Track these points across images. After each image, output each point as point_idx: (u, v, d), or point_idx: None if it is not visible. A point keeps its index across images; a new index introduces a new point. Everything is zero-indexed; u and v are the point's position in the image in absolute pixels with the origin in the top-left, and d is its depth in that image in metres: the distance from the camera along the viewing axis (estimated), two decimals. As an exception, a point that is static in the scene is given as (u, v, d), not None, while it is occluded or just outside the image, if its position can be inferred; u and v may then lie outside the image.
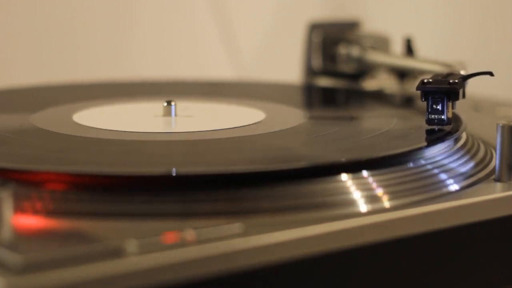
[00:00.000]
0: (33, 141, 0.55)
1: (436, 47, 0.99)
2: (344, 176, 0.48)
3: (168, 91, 0.77)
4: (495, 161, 0.52)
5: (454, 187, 0.51)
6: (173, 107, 0.62)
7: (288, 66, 0.95)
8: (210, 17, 1.08)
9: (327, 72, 0.82)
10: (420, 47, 0.77)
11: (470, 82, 0.59)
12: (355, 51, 0.79)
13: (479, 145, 0.57)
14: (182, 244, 0.41)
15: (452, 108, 0.56)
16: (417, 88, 0.56)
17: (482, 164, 0.54)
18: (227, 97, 0.73)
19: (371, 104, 0.74)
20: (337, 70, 0.80)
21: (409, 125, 0.61)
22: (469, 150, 0.55)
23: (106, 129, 0.58)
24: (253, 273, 0.42)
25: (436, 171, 0.51)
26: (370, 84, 0.80)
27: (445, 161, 0.52)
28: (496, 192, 0.51)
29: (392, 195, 0.48)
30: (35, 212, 0.44)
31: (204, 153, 0.53)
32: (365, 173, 0.49)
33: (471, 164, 0.54)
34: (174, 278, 0.40)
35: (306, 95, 0.82)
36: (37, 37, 0.99)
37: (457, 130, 0.56)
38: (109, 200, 0.45)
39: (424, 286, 0.49)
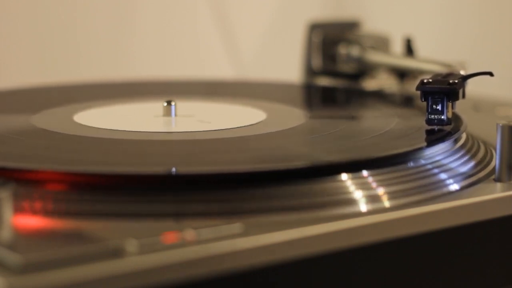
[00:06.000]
0: (33, 141, 0.55)
1: (435, 47, 0.99)
2: (344, 176, 0.48)
3: (168, 91, 0.77)
4: (495, 161, 0.52)
5: (454, 187, 0.51)
6: (173, 107, 0.62)
7: (288, 66, 0.95)
8: (210, 17, 1.08)
9: (327, 72, 0.82)
10: (420, 47, 0.77)
11: (470, 82, 0.59)
12: (355, 51, 0.79)
13: (479, 145, 0.57)
14: (182, 244, 0.41)
15: (452, 108, 0.56)
16: (417, 88, 0.56)
17: (482, 164, 0.54)
18: (227, 97, 0.73)
19: (371, 104, 0.74)
20: (337, 70, 0.80)
21: (409, 125, 0.61)
22: (469, 150, 0.55)
23: (106, 129, 0.58)
24: (253, 273, 0.42)
25: (436, 171, 0.51)
26: (370, 84, 0.80)
27: (445, 161, 0.52)
28: (496, 192, 0.51)
29: (392, 195, 0.48)
30: (35, 212, 0.44)
31: (204, 153, 0.53)
32: (365, 173, 0.49)
33: (471, 164, 0.54)
34: (174, 278, 0.40)
35: (306, 95, 0.82)
36: (37, 38, 0.99)
37: (457, 130, 0.56)
38: (109, 200, 0.45)
39: (424, 286, 0.49)
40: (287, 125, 0.60)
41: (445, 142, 0.54)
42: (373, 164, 0.49)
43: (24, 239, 0.41)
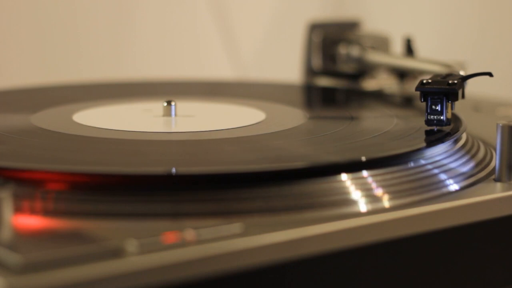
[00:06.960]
0: (33, 141, 0.55)
1: (435, 47, 0.99)
2: (344, 176, 0.48)
3: (168, 91, 0.77)
4: (495, 161, 0.53)
5: (454, 187, 0.51)
6: (173, 107, 0.62)
7: (288, 66, 0.95)
8: (210, 18, 1.08)
9: (327, 72, 0.82)
10: (420, 47, 0.77)
11: (470, 82, 0.59)
12: (355, 51, 0.79)
13: (479, 145, 0.57)
14: (182, 244, 0.41)
15: (452, 108, 0.56)
16: (416, 89, 0.56)
17: (482, 164, 0.54)
18: (227, 97, 0.73)
19: (371, 104, 0.74)
20: (337, 70, 0.81)
21: (409, 125, 0.61)
22: (469, 150, 0.55)
23: (106, 129, 0.58)
24: (252, 273, 0.42)
25: (436, 171, 0.51)
26: (370, 84, 0.80)
27: (445, 161, 0.52)
28: (496, 192, 0.51)
29: (392, 195, 0.48)
30: (35, 212, 0.44)
31: (204, 153, 0.53)
32: (365, 173, 0.49)
33: (471, 164, 0.54)
34: (174, 278, 0.40)
35: (306, 95, 0.82)
36: (37, 38, 0.99)
37: (457, 131, 0.56)
38: (109, 200, 0.45)
39: (424, 286, 0.49)
40: (287, 125, 0.60)
41: (445, 143, 0.54)
42: (373, 164, 0.49)
43: (24, 239, 0.41)
